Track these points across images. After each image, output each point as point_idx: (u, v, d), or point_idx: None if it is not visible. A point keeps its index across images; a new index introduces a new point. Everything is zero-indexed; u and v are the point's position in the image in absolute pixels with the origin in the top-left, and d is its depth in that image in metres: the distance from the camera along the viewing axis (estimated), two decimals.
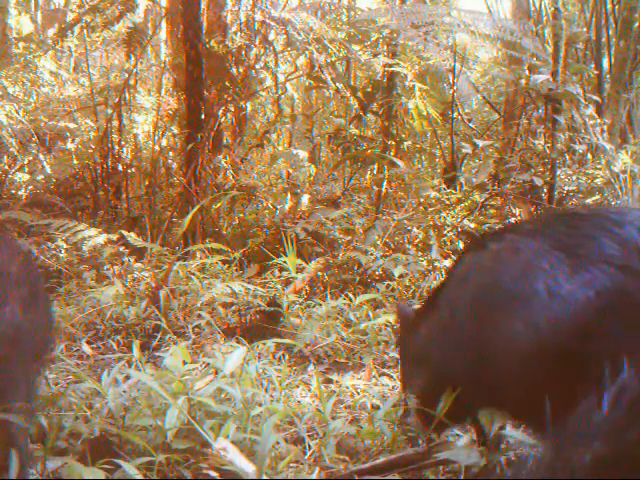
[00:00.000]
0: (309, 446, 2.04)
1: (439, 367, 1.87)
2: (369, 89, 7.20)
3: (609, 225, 1.47)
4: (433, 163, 9.33)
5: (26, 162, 8.00)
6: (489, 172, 5.61)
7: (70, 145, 8.05)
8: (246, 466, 1.72)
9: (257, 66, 7.65)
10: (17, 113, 7.83)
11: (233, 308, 3.73)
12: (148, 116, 8.35)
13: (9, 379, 1.62)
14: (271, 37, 7.74)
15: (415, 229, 5.28)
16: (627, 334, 1.35)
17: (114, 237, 5.08)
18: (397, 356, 3.00)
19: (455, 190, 5.91)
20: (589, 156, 6.45)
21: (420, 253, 4.85)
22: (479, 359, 1.63)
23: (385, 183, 6.68)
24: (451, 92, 6.76)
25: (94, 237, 4.97)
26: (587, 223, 1.54)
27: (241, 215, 6.70)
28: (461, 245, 4.94)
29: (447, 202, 5.51)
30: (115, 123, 7.51)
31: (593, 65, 8.36)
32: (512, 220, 5.58)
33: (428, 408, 1.88)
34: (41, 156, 7.90)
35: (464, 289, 1.73)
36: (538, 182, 5.08)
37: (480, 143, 6.06)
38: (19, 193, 7.81)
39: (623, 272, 1.38)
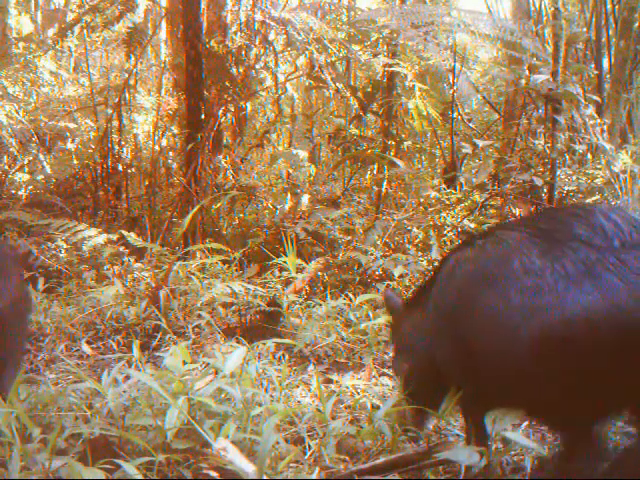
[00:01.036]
0: (309, 446, 2.04)
1: (425, 353, 2.03)
2: (369, 89, 7.21)
3: (581, 213, 1.71)
4: (433, 163, 9.33)
5: (26, 162, 8.00)
6: (489, 172, 5.61)
7: (70, 145, 8.05)
8: (246, 466, 1.72)
9: (257, 66, 7.65)
10: (17, 113, 7.82)
11: (233, 308, 3.73)
12: (148, 116, 8.35)
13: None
14: (271, 37, 7.74)
15: (415, 229, 5.28)
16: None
17: (114, 237, 5.08)
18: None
19: (455, 190, 5.90)
20: (589, 156, 6.44)
21: (420, 253, 4.85)
22: (464, 341, 1.79)
23: (385, 183, 6.67)
24: (451, 92, 6.75)
25: (94, 237, 4.97)
26: (563, 213, 1.81)
27: (241, 215, 6.71)
28: None
29: (447, 202, 5.51)
30: (115, 123, 7.51)
31: (593, 65, 8.35)
32: (511, 220, 5.58)
33: (415, 393, 2.06)
34: (41, 156, 7.90)
35: (451, 278, 1.90)
36: (538, 182, 5.07)
37: (480, 143, 6.06)
38: (19, 193, 7.80)
39: (587, 246, 1.61)
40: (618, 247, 1.58)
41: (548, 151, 5.35)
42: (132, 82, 7.87)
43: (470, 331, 1.77)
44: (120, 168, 7.40)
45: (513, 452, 2.02)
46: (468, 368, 1.82)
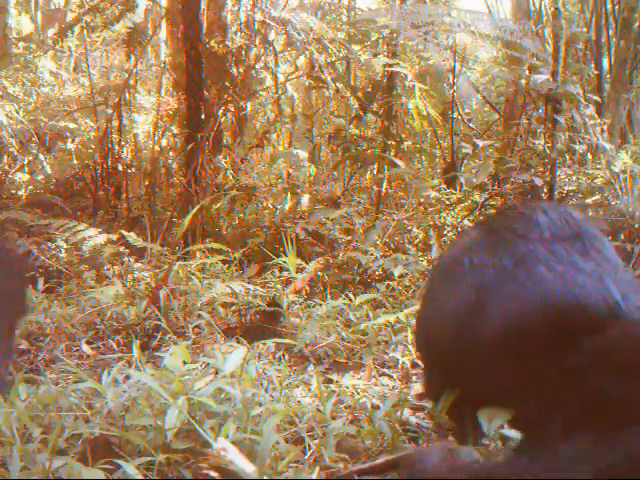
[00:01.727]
0: (309, 446, 2.04)
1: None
2: (369, 89, 7.21)
3: (524, 211, 1.85)
4: (433, 163, 9.32)
5: (26, 162, 8.00)
6: (489, 172, 5.60)
7: (70, 145, 8.05)
8: (246, 466, 1.72)
9: (257, 66, 7.65)
10: (17, 113, 7.83)
11: (233, 308, 3.73)
12: (148, 116, 8.35)
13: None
14: (271, 37, 7.75)
15: (415, 229, 5.28)
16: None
17: (114, 237, 5.08)
18: (397, 356, 3.01)
19: (455, 190, 5.90)
20: (589, 156, 6.44)
21: (420, 253, 4.85)
22: (427, 334, 1.97)
23: (385, 183, 6.67)
24: (451, 92, 6.75)
25: (94, 237, 4.97)
26: (511, 212, 1.96)
27: (241, 215, 6.70)
28: None
29: (447, 202, 5.51)
30: (115, 123, 7.51)
31: (593, 65, 8.34)
32: None
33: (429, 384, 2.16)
34: (41, 156, 7.91)
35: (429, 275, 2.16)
36: (538, 182, 5.07)
37: (480, 143, 6.06)
38: (19, 193, 7.81)
39: (523, 240, 1.72)
40: (549, 239, 1.69)
41: (548, 151, 5.35)
42: (132, 82, 7.88)
43: (428, 324, 1.93)
44: (120, 168, 7.41)
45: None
46: (430, 361, 2.00)
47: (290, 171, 7.39)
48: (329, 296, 4.00)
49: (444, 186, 5.89)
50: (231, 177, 6.93)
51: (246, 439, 1.91)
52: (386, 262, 4.47)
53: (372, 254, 4.63)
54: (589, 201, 5.55)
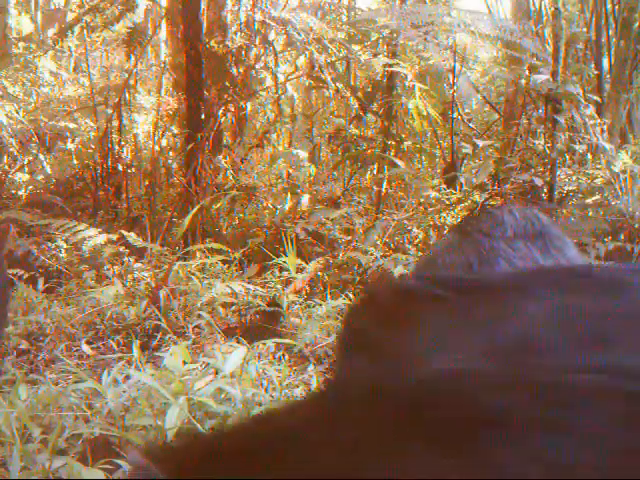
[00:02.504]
0: None
1: None
2: (369, 89, 7.21)
3: (492, 211, 1.97)
4: (433, 163, 9.32)
5: (26, 162, 8.00)
6: (489, 172, 5.61)
7: (70, 145, 8.05)
8: None
9: (257, 66, 7.65)
10: (17, 113, 7.83)
11: (233, 308, 3.73)
12: (148, 116, 8.34)
13: None
14: (271, 37, 7.75)
15: (415, 229, 5.28)
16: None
17: (114, 237, 5.08)
18: None
19: (455, 190, 5.90)
20: (589, 156, 6.44)
21: (420, 253, 4.84)
22: None
23: (385, 183, 6.67)
24: (451, 92, 6.75)
25: (94, 237, 4.97)
26: (480, 214, 2.09)
27: (241, 215, 6.70)
28: None
29: (447, 202, 5.51)
30: (115, 123, 7.51)
31: (593, 65, 8.35)
32: None
33: None
34: (41, 156, 7.91)
35: None
36: (538, 182, 5.07)
37: (480, 143, 6.06)
38: (19, 193, 7.81)
39: (486, 237, 1.84)
40: (512, 237, 1.76)
41: (548, 151, 5.35)
42: (132, 82, 7.88)
43: None
44: (120, 168, 7.41)
45: None
46: None
47: (290, 171, 7.39)
48: (329, 296, 4.00)
49: (444, 186, 5.89)
50: (231, 177, 6.93)
51: None
52: (386, 262, 4.47)
53: (372, 254, 4.62)
54: (589, 201, 5.55)
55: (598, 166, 5.84)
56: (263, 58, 7.67)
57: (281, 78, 8.87)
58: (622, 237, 4.86)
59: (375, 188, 6.84)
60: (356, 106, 7.71)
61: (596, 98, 6.89)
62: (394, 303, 0.65)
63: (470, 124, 9.06)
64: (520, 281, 0.64)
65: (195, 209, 5.05)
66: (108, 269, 4.60)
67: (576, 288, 0.60)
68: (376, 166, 7.25)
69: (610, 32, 8.65)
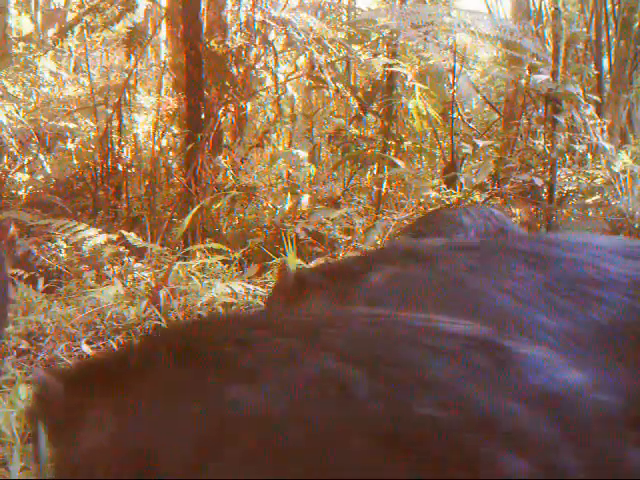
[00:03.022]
0: None
1: None
2: (369, 89, 7.21)
3: (448, 213, 2.08)
4: (433, 163, 9.31)
5: (26, 162, 8.00)
6: (489, 172, 5.61)
7: (70, 145, 8.05)
8: None
9: (257, 66, 7.65)
10: (17, 113, 7.83)
11: (233, 308, 3.73)
12: (148, 116, 8.34)
13: None
14: (271, 37, 7.75)
15: None
16: None
17: (114, 237, 5.08)
18: None
19: (455, 190, 5.90)
20: (589, 156, 6.44)
21: None
22: None
23: (385, 183, 6.67)
24: (451, 92, 6.75)
25: (94, 237, 4.97)
26: (435, 216, 2.25)
27: (241, 215, 6.70)
28: None
29: (447, 202, 5.50)
30: (115, 123, 7.51)
31: (593, 65, 8.35)
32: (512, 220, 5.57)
33: None
34: (41, 156, 7.91)
35: None
36: (538, 182, 5.07)
37: (480, 143, 6.06)
38: (19, 193, 7.81)
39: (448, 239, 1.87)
40: (473, 237, 1.80)
41: (548, 151, 5.35)
42: (132, 82, 7.88)
43: None
44: (120, 168, 7.41)
45: None
46: None
47: (290, 171, 7.38)
48: None
49: (444, 186, 5.88)
50: (231, 177, 6.93)
51: None
52: None
53: None
54: (589, 201, 5.56)
55: (598, 166, 5.85)
56: (263, 58, 7.67)
57: (281, 78, 8.87)
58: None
59: (375, 188, 6.84)
60: (356, 106, 7.71)
61: (596, 98, 6.89)
62: (294, 288, 1.06)
63: (470, 124, 9.05)
64: (370, 259, 1.05)
65: (195, 209, 5.05)
66: (108, 269, 4.60)
67: (405, 263, 0.95)
68: (376, 166, 7.25)
69: (610, 32, 8.66)
